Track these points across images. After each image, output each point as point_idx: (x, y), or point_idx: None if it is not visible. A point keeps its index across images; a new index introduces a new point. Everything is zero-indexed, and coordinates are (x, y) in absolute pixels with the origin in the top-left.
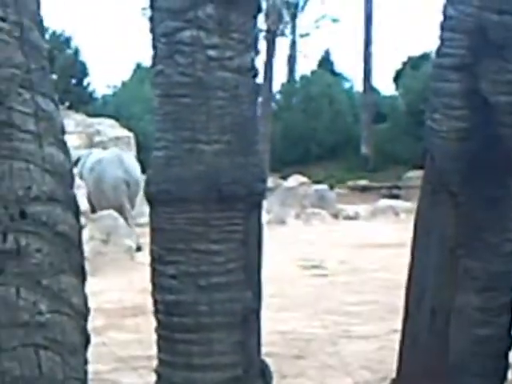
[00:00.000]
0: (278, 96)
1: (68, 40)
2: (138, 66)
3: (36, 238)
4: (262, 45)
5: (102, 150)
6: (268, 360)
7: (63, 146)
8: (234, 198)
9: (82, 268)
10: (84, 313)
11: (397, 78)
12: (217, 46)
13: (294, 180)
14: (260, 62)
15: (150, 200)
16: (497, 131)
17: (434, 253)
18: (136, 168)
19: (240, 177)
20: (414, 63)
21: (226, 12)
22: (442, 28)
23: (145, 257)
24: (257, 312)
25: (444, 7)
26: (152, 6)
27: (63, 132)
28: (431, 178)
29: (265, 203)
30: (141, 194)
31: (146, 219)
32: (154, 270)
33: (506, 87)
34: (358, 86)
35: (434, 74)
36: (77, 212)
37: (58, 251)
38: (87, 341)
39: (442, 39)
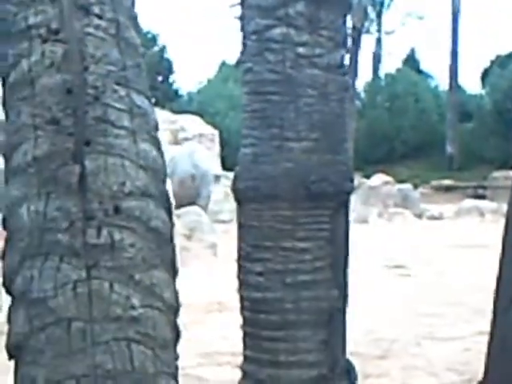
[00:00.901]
0: (362, 94)
1: (154, 38)
2: (223, 64)
3: (129, 233)
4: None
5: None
6: (352, 359)
7: (156, 143)
8: (321, 195)
9: (174, 263)
10: (175, 308)
11: (484, 76)
12: (306, 44)
13: (378, 179)
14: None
15: (238, 197)
16: None
17: None
18: (205, 161)
19: (328, 175)
20: (501, 62)
21: (316, 9)
22: None
23: (227, 253)
24: (342, 311)
25: None
26: (242, 4)
27: (156, 128)
28: None
29: None
30: (221, 190)
31: (226, 216)
32: (240, 267)
33: None
34: (444, 85)
35: None
36: (169, 208)
37: (150, 246)
38: (178, 336)
39: None
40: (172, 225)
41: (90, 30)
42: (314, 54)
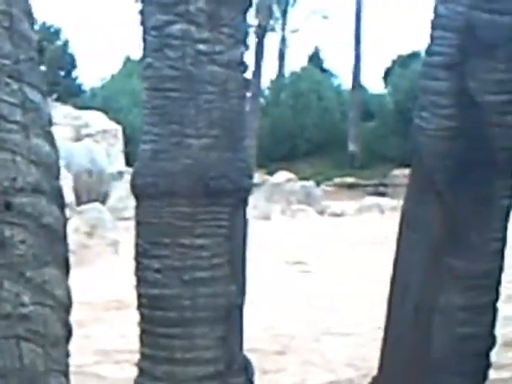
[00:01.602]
0: (266, 91)
1: (57, 32)
2: (128, 59)
3: (20, 230)
4: (252, 40)
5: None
6: (250, 355)
7: (50, 138)
8: (220, 192)
9: (66, 260)
10: (67, 305)
11: (386, 76)
12: (207, 40)
13: (281, 176)
14: (250, 57)
15: (136, 193)
16: (484, 131)
17: (419, 251)
18: (104, 158)
19: (227, 172)
20: (403, 62)
21: (216, 6)
22: (433, 26)
23: (129, 250)
24: (240, 307)
25: (435, 5)
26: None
27: (50, 123)
28: (418, 177)
29: (250, 199)
30: (124, 187)
31: (130, 212)
32: (138, 264)
33: (495, 87)
34: (347, 84)
35: (424, 72)
36: (62, 204)
37: (42, 243)
38: (69, 333)
39: (432, 37)
40: (65, 221)
41: None
42: (214, 51)
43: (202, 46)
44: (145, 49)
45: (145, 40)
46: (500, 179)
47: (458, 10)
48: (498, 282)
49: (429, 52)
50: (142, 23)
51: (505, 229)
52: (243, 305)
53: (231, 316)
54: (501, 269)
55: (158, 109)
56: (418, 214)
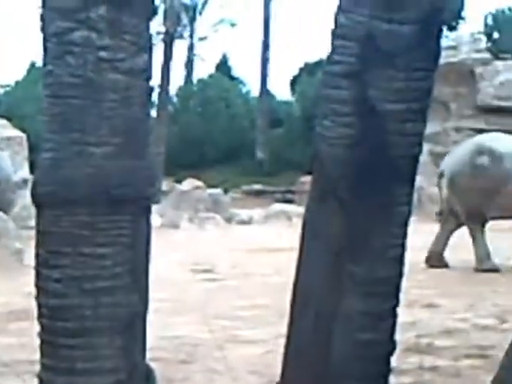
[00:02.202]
0: (175, 98)
1: None
2: (32, 66)
3: None
4: (160, 47)
5: None
6: (154, 365)
7: None
8: (122, 201)
9: None
10: None
11: (293, 83)
12: (108, 48)
13: (189, 184)
14: (157, 64)
15: (36, 202)
16: (384, 139)
17: (320, 258)
18: (8, 166)
19: (129, 180)
20: (309, 69)
21: (118, 13)
22: (334, 35)
23: (33, 260)
24: (143, 317)
25: (335, 15)
26: (43, 5)
27: None
28: (319, 184)
29: (158, 207)
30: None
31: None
32: (38, 274)
33: (394, 95)
34: (255, 91)
35: (325, 80)
36: None
37: None
38: None
39: (333, 46)
40: None
41: None
42: (115, 58)
43: (103, 53)
44: (45, 56)
45: (45, 47)
46: (400, 186)
47: (358, 19)
48: (398, 288)
49: (330, 61)
50: (43, 30)
51: (404, 235)
52: (146, 314)
53: (133, 325)
54: (401, 275)
55: (59, 116)
56: (319, 221)
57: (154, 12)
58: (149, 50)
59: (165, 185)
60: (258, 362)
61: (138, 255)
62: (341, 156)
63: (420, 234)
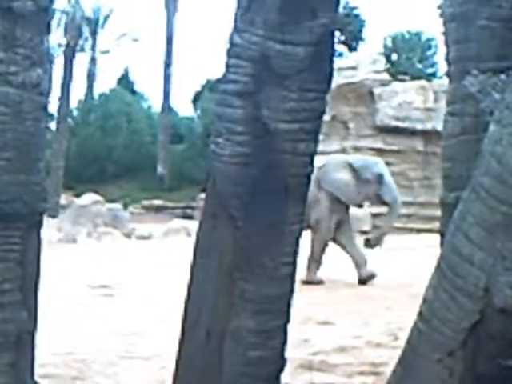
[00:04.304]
0: (75, 112)
1: None
2: None
3: None
4: (61, 60)
5: None
6: (45, 382)
7: None
8: (13, 216)
9: None
10: None
11: (195, 99)
12: (0, 61)
13: (88, 198)
14: (58, 77)
15: None
16: (276, 158)
17: (212, 275)
18: None
19: (21, 195)
20: (212, 86)
21: (11, 27)
22: (228, 55)
23: None
24: (32, 333)
25: (231, 35)
26: None
27: None
28: (212, 201)
29: (56, 221)
30: None
31: None
32: None
33: (287, 115)
34: (157, 106)
35: (219, 99)
36: None
37: None
38: None
39: (227, 66)
40: None
41: None
42: (8, 72)
43: None
44: None
45: None
46: (291, 205)
47: (252, 39)
48: (289, 306)
49: (224, 80)
50: None
51: (295, 254)
52: (35, 331)
53: (21, 342)
54: (292, 292)
55: None
56: (212, 238)
57: (49, 26)
58: (45, 63)
59: (63, 199)
60: (151, 378)
61: (27, 271)
62: (233, 174)
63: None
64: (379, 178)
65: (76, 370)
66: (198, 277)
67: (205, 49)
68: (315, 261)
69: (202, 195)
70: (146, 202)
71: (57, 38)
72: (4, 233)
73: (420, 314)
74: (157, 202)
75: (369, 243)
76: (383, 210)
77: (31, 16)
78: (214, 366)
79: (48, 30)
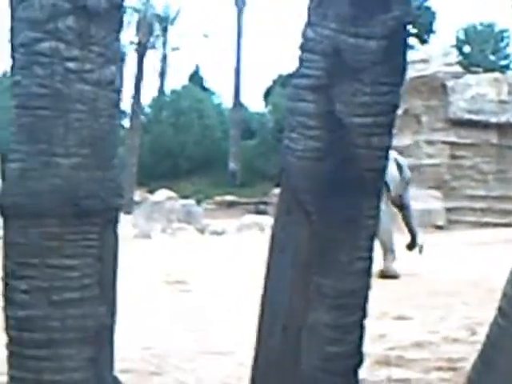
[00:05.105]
0: (147, 109)
1: None
2: (4, 75)
3: None
4: (133, 57)
5: None
6: (123, 376)
7: None
8: (90, 212)
9: None
10: None
11: (266, 95)
12: (76, 59)
13: (161, 194)
14: (130, 75)
15: (4, 213)
16: (350, 152)
17: (288, 271)
18: None
19: (97, 191)
20: (283, 81)
21: (86, 24)
22: (301, 49)
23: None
24: (110, 328)
25: (304, 29)
26: (12, 16)
27: None
28: (286, 197)
29: (131, 217)
30: None
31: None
32: (6, 285)
33: (360, 109)
34: (228, 102)
35: (292, 93)
36: None
37: None
38: None
39: (300, 60)
40: None
41: None
42: (83, 69)
43: (71, 64)
44: (14, 66)
45: (13, 57)
46: (366, 199)
47: (325, 33)
48: (366, 301)
49: (297, 74)
50: (11, 40)
51: (371, 248)
52: (114, 325)
53: (101, 337)
54: (368, 287)
55: (27, 127)
56: (287, 233)
57: (122, 24)
58: (118, 61)
59: (137, 195)
60: (229, 373)
61: (105, 266)
62: (307, 169)
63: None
64: (409, 181)
65: (154, 365)
66: (273, 272)
67: (276, 43)
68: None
69: (275, 190)
70: (218, 198)
71: (128, 35)
72: (82, 229)
73: (500, 308)
74: (229, 198)
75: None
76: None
77: (105, 13)
78: (291, 361)
79: (121, 28)
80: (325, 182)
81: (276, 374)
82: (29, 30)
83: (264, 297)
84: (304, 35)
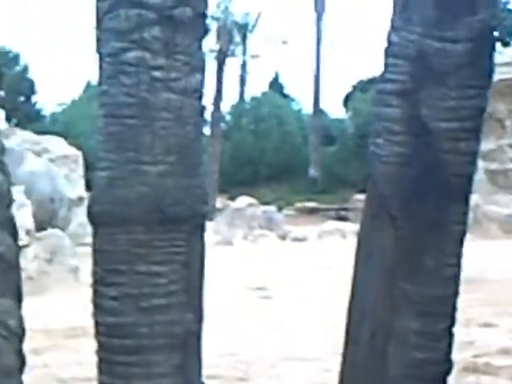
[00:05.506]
0: (227, 116)
1: (16, 57)
2: (88, 85)
3: None
4: (213, 65)
5: None
6: (211, 382)
7: (2, 166)
8: (176, 219)
9: (19, 289)
10: (20, 335)
11: (346, 100)
12: (162, 68)
13: (242, 201)
14: (210, 82)
15: (93, 221)
16: (437, 157)
17: (374, 276)
18: (64, 183)
19: (183, 198)
20: (363, 87)
21: (171, 34)
22: (386, 54)
23: (89, 277)
24: (198, 334)
25: (388, 33)
26: (98, 27)
27: (2, 152)
28: (372, 202)
29: (212, 224)
30: (85, 212)
31: (91, 239)
32: (95, 292)
33: (447, 114)
34: (307, 108)
35: (377, 98)
36: (14, 233)
37: None
38: (23, 363)
39: (385, 65)
40: (18, 250)
41: None
42: (169, 78)
43: (157, 73)
44: (100, 75)
45: (101, 67)
46: (453, 205)
47: (410, 38)
48: (454, 308)
49: (382, 79)
50: (98, 50)
51: (459, 255)
52: (201, 332)
53: (188, 343)
54: (456, 294)
55: (114, 136)
56: (373, 239)
57: (206, 32)
58: (201, 69)
59: (218, 202)
60: (313, 379)
61: (192, 273)
62: (393, 174)
63: (476, 252)
64: None
65: (241, 371)
66: (360, 278)
67: (355, 48)
68: None
69: (357, 196)
70: (299, 204)
71: (209, 43)
72: (169, 235)
73: None
74: (310, 204)
75: None
76: None
77: (189, 22)
78: (378, 368)
79: (204, 36)
80: (411, 187)
81: (363, 380)
82: (115, 40)
83: (351, 302)
84: (388, 40)
